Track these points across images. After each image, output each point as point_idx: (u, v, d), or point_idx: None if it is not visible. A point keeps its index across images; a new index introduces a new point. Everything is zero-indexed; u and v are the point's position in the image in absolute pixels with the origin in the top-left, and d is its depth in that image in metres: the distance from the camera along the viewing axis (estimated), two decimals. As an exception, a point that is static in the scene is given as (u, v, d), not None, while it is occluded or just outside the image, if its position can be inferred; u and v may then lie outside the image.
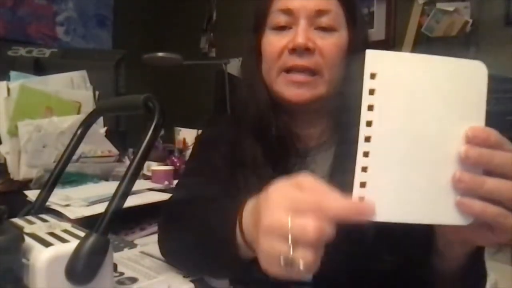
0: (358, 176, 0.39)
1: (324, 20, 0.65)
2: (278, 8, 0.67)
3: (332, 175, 0.67)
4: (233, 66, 2.91)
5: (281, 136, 0.69)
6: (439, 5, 2.11)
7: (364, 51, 0.67)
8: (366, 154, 0.39)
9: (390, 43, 2.31)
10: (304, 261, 0.36)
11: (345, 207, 0.38)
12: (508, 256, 1.34)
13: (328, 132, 0.71)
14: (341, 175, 0.67)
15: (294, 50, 0.64)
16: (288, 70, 0.66)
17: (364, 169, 0.39)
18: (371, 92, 0.39)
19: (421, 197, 0.40)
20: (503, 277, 1.47)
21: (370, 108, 0.39)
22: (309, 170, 0.69)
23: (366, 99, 0.39)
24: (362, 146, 0.39)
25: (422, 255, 0.56)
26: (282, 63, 0.66)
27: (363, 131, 0.39)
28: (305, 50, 0.64)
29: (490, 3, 2.00)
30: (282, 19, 0.66)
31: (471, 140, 0.39)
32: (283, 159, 0.69)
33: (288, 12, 0.66)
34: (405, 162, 0.40)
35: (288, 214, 0.37)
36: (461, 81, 0.40)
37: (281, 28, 0.67)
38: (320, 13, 0.65)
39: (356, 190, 0.39)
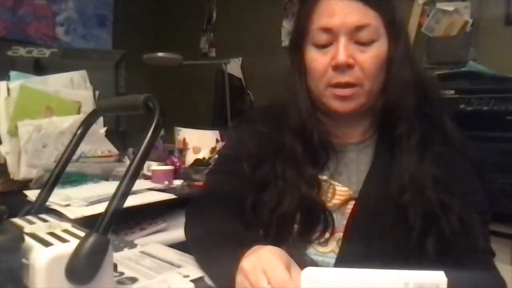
0: None
1: (363, 34, 0.68)
2: (318, 27, 0.70)
3: (372, 173, 0.72)
4: (233, 66, 2.91)
5: (321, 135, 0.73)
6: (439, 5, 2.11)
7: (406, 57, 0.72)
8: None
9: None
10: None
11: None
12: (508, 256, 1.34)
13: (369, 132, 0.76)
14: (380, 173, 0.71)
15: (337, 67, 0.69)
16: (334, 85, 0.70)
17: None
18: None
19: None
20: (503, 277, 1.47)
21: None
22: (343, 164, 0.74)
23: None
24: None
25: None
26: (327, 80, 0.70)
27: None
28: (346, 67, 0.68)
29: (490, 3, 2.00)
30: (323, 37, 0.70)
31: None
32: (321, 154, 0.73)
33: (328, 30, 0.69)
34: None
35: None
36: None
37: (323, 46, 0.70)
38: (359, 28, 0.68)
39: None
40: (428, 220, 0.64)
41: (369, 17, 0.68)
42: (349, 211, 0.70)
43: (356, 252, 0.66)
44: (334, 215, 0.71)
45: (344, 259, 0.67)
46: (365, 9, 0.68)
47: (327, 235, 0.69)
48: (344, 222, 0.70)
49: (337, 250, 0.69)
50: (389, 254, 0.64)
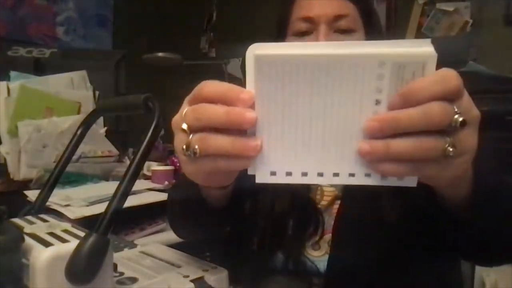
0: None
1: (343, 23, 0.70)
2: (298, 17, 0.72)
3: None
4: (233, 66, 2.91)
5: None
6: (439, 5, 2.11)
7: None
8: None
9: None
10: (198, 145, 0.39)
11: (222, 91, 0.41)
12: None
13: None
14: None
15: None
16: None
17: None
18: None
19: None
20: (503, 277, 1.47)
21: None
22: None
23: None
24: None
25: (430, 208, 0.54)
26: None
27: None
28: None
29: (490, 3, 2.00)
30: (303, 26, 0.72)
31: (367, 134, 0.37)
32: None
33: (308, 19, 0.71)
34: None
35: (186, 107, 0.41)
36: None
37: (303, 34, 0.72)
38: (338, 17, 0.70)
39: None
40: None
41: (348, 8, 0.71)
42: (335, 211, 0.70)
43: (345, 252, 0.65)
44: (324, 217, 0.71)
45: (334, 260, 0.67)
46: (344, 1, 0.72)
47: (318, 234, 0.69)
48: (332, 222, 0.70)
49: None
50: (379, 252, 0.63)
